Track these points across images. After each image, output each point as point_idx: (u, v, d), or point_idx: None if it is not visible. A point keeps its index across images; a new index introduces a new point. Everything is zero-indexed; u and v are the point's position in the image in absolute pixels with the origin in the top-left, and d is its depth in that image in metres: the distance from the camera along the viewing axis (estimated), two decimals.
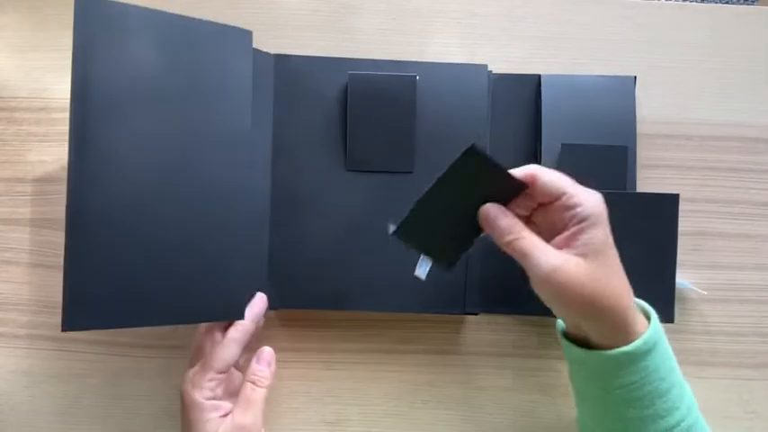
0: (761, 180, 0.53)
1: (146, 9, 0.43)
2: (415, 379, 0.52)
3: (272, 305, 0.50)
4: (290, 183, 0.51)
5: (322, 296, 0.50)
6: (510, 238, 0.39)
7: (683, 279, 0.52)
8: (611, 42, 0.54)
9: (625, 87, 0.52)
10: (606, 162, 0.50)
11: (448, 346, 0.52)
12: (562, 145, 0.50)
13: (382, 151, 0.51)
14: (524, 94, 0.52)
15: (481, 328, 0.52)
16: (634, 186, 0.51)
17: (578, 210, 0.38)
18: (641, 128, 0.51)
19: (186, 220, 0.45)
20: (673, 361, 0.40)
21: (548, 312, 0.45)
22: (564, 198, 0.39)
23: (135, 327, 0.46)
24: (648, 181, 0.53)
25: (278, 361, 0.51)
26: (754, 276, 0.53)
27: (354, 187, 0.51)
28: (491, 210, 0.40)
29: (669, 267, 0.49)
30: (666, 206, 0.49)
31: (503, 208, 0.41)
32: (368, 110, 0.50)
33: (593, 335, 0.40)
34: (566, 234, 0.39)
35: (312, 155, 0.51)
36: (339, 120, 0.51)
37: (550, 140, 0.50)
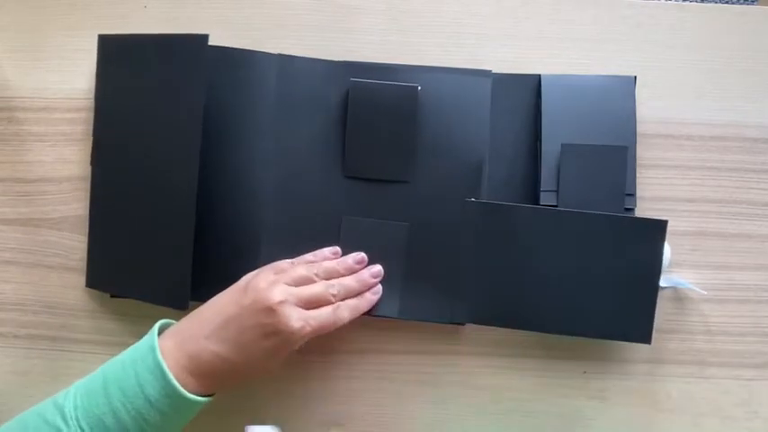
0: (761, 180, 0.53)
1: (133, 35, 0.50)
2: (415, 379, 0.52)
3: None
4: (289, 184, 0.51)
5: None
6: None
7: (682, 279, 0.52)
8: (611, 42, 0.54)
9: (625, 87, 0.52)
10: (606, 162, 0.50)
11: (448, 346, 0.52)
12: (562, 145, 0.50)
13: (381, 159, 0.51)
14: (524, 94, 0.52)
15: (481, 329, 0.52)
16: (634, 187, 0.51)
17: None
18: (641, 128, 0.51)
19: (186, 218, 0.47)
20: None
21: (542, 328, 0.49)
22: None
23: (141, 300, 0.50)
24: (648, 181, 0.53)
25: None
26: (754, 276, 0.53)
27: (352, 193, 0.51)
28: None
29: (651, 289, 0.48)
30: (653, 231, 0.48)
31: None
32: (368, 118, 0.50)
33: None
34: None
35: (312, 157, 0.51)
36: (340, 124, 0.51)
37: (550, 140, 0.50)
